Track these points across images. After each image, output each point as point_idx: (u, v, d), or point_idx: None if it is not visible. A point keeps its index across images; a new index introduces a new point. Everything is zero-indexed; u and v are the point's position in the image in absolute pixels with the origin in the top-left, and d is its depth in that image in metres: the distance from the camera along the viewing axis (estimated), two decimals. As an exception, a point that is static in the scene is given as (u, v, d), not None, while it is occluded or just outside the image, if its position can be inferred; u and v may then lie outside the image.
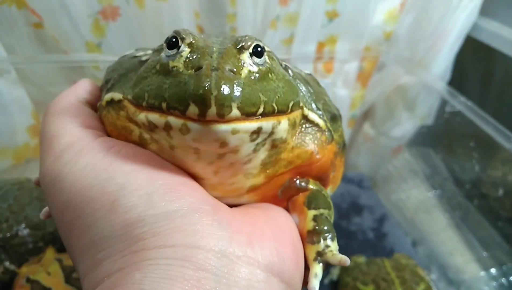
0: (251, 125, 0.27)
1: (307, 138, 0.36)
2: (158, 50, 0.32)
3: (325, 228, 0.35)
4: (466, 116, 0.78)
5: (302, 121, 0.35)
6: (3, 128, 0.88)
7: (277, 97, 0.29)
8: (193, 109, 0.26)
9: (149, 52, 0.37)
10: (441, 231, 0.90)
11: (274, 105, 0.29)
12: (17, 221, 0.70)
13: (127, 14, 0.86)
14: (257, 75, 0.29)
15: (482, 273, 0.81)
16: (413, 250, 0.88)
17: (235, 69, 0.27)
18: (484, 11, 0.91)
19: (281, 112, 0.30)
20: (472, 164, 0.89)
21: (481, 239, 0.86)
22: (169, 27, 0.87)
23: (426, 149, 1.02)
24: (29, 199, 0.73)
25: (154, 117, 0.28)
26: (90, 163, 0.30)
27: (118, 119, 0.33)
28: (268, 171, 0.34)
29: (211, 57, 0.28)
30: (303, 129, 0.35)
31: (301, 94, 0.36)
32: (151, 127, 0.29)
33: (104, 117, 0.35)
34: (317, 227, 0.35)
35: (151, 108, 0.28)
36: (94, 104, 0.39)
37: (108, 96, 0.34)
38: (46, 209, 0.38)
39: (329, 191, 0.42)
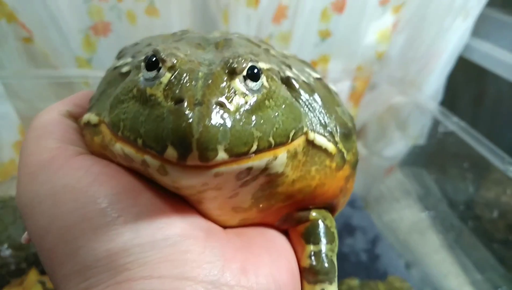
0: (239, 167, 0.24)
1: (312, 168, 0.30)
2: (137, 68, 0.28)
3: (323, 268, 0.30)
4: (459, 137, 0.78)
5: (307, 147, 0.29)
6: (-12, 144, 0.86)
7: (275, 128, 0.25)
8: (171, 152, 0.22)
9: (129, 59, 0.32)
10: (434, 253, 0.89)
11: (271, 139, 0.24)
12: (-1, 241, 0.67)
13: (118, 30, 0.85)
14: (251, 105, 0.24)
15: (477, 296, 0.80)
16: (407, 272, 0.87)
17: (223, 101, 0.23)
18: (476, 32, 0.93)
19: (280, 144, 0.25)
20: (465, 185, 0.89)
21: (476, 261, 0.85)
22: (161, 43, 0.87)
23: (419, 169, 1.01)
24: (13, 218, 0.71)
25: (130, 152, 0.24)
26: (68, 184, 0.27)
27: (93, 145, 0.29)
28: (261, 206, 0.30)
29: (195, 85, 0.23)
30: (308, 158, 0.29)
31: (307, 113, 0.31)
32: (128, 160, 0.25)
33: (84, 137, 0.31)
34: (313, 267, 0.31)
35: (127, 140, 0.24)
36: (80, 117, 0.34)
37: (85, 118, 0.30)
38: (26, 234, 0.35)
39: (336, 215, 0.37)
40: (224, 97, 0.23)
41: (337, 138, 0.32)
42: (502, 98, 0.99)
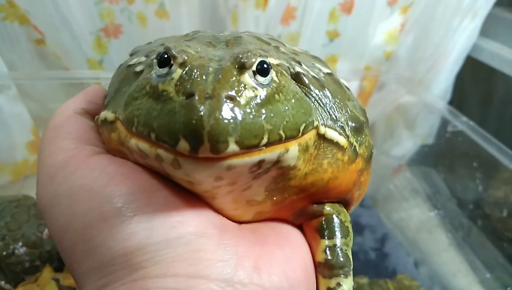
0: (251, 159, 0.24)
1: (324, 161, 0.30)
2: (150, 66, 0.28)
3: (338, 262, 0.31)
4: (468, 136, 0.78)
5: (318, 141, 0.29)
6: (2, 144, 0.87)
7: (285, 122, 0.25)
8: (183, 145, 0.23)
9: (143, 59, 0.33)
10: (443, 252, 0.89)
11: (281, 132, 0.25)
12: (14, 239, 0.68)
13: (129, 31, 0.86)
14: (261, 98, 0.25)
15: (487, 295, 0.80)
16: (416, 271, 0.87)
17: (233, 95, 0.23)
18: (485, 32, 0.93)
19: (290, 138, 0.26)
20: (474, 184, 0.89)
21: (484, 260, 0.85)
22: (171, 45, 0.88)
23: (427, 168, 1.01)
24: (27, 217, 0.72)
25: (144, 146, 0.25)
26: (85, 184, 0.27)
27: (110, 141, 0.30)
28: (275, 199, 0.30)
29: (205, 80, 0.24)
30: (319, 151, 0.29)
31: (317, 107, 0.31)
32: (143, 155, 0.26)
33: (101, 135, 0.32)
34: (328, 261, 0.31)
35: (141, 136, 0.25)
36: (95, 114, 0.35)
37: (102, 115, 0.31)
38: (47, 230, 0.36)
39: (351, 210, 0.38)
40: (234, 91, 0.24)
41: (348, 132, 0.32)
42: (510, 98, 0.98)
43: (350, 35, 0.90)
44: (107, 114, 0.30)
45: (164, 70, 0.25)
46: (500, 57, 0.89)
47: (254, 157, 0.24)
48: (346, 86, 0.37)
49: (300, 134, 0.26)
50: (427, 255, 0.91)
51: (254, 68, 0.25)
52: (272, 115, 0.25)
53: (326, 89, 0.32)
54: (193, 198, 0.29)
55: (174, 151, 0.23)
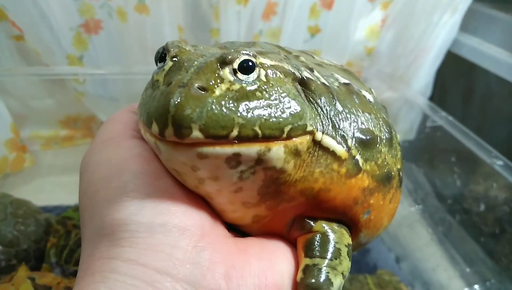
0: (223, 150, 0.25)
1: (316, 170, 0.29)
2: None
3: (311, 284, 0.28)
4: (447, 131, 0.78)
5: (314, 148, 0.29)
6: (-20, 141, 0.86)
7: (263, 119, 0.25)
8: (154, 127, 0.24)
9: None
10: (424, 247, 0.89)
11: (257, 128, 0.25)
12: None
13: (109, 27, 0.86)
14: (238, 93, 0.25)
15: (466, 289, 0.80)
16: (397, 266, 0.87)
17: (207, 86, 0.25)
18: (464, 27, 0.93)
19: (271, 137, 0.25)
20: (454, 179, 0.89)
21: (465, 254, 0.86)
22: (152, 40, 0.87)
23: (409, 163, 1.01)
24: (4, 215, 0.71)
25: (146, 135, 0.27)
26: (109, 157, 0.30)
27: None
28: (268, 203, 0.29)
29: (186, 72, 0.25)
30: (313, 158, 0.29)
31: (319, 113, 0.30)
32: (148, 142, 0.28)
33: None
34: (302, 281, 0.29)
35: (141, 122, 0.27)
36: None
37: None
38: None
39: (362, 237, 0.35)
40: (209, 83, 0.25)
41: (352, 144, 0.30)
42: (491, 92, 0.99)
43: (331, 31, 0.90)
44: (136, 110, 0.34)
45: (161, 64, 0.28)
46: (480, 52, 0.89)
47: (227, 148, 0.25)
48: (368, 100, 0.35)
49: (284, 135, 0.26)
50: (408, 250, 0.91)
51: (235, 65, 0.26)
52: (247, 110, 0.25)
53: (334, 98, 0.31)
54: (197, 196, 0.29)
55: (155, 135, 0.25)
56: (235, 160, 0.25)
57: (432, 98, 1.01)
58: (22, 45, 0.86)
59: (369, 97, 0.36)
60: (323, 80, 0.32)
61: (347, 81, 0.34)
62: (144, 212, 0.26)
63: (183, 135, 0.24)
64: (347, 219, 0.33)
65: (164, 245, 0.26)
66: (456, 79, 1.06)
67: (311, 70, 0.33)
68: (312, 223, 0.31)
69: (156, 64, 0.29)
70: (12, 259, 0.68)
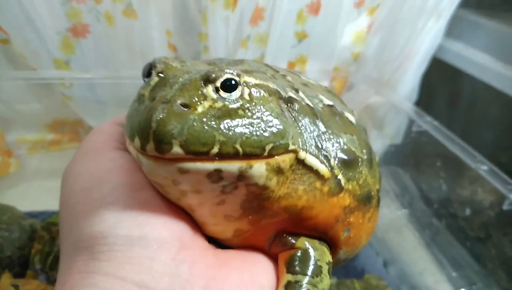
0: (204, 166, 0.25)
1: (300, 187, 0.29)
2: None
3: None
4: (432, 136, 0.79)
5: (297, 166, 0.29)
6: (-35, 145, 0.85)
7: (244, 137, 0.26)
8: (136, 141, 0.25)
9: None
10: (412, 251, 0.90)
11: (238, 146, 0.25)
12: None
13: (97, 31, 0.86)
14: (220, 111, 0.26)
15: (452, 293, 0.80)
16: (384, 270, 0.87)
17: (189, 103, 0.25)
18: (449, 32, 0.94)
19: (252, 155, 0.26)
20: (440, 183, 0.90)
21: (451, 258, 0.86)
22: (140, 45, 0.87)
23: (395, 168, 1.02)
24: (-12, 220, 0.70)
25: (131, 148, 0.28)
26: (90, 169, 0.30)
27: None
28: (250, 217, 0.30)
29: (171, 88, 0.26)
30: (296, 176, 0.29)
31: (302, 133, 0.31)
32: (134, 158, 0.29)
33: None
34: None
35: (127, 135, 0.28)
36: None
37: None
38: None
39: (342, 255, 0.36)
40: (192, 100, 0.25)
41: (334, 163, 0.32)
42: (476, 98, 1.00)
43: (318, 36, 0.90)
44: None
45: (148, 79, 0.29)
46: (464, 58, 0.91)
47: (207, 165, 0.25)
48: (351, 121, 0.37)
49: (265, 153, 0.26)
50: (395, 254, 0.91)
51: (218, 83, 0.26)
52: (228, 128, 0.25)
53: (318, 118, 0.32)
54: (177, 208, 0.29)
55: (137, 149, 0.26)
56: (216, 175, 0.26)
57: (418, 103, 1.02)
58: (8, 48, 0.85)
59: (351, 118, 0.37)
60: (307, 101, 0.33)
61: (331, 103, 0.36)
62: (123, 224, 0.26)
63: (164, 150, 0.24)
64: (327, 236, 0.34)
65: (143, 257, 0.25)
66: (442, 84, 1.07)
67: (297, 90, 0.34)
68: (293, 240, 0.32)
69: (144, 79, 0.29)
70: (-5, 266, 0.67)
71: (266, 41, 0.90)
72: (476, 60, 0.88)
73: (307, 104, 0.33)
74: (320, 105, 0.35)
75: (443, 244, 0.89)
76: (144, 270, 0.25)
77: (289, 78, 0.36)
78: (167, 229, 0.27)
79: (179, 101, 0.25)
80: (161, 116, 0.24)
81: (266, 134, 0.27)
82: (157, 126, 0.24)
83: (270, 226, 0.31)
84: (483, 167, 0.70)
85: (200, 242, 0.30)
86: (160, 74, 0.28)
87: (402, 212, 0.97)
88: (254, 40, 0.90)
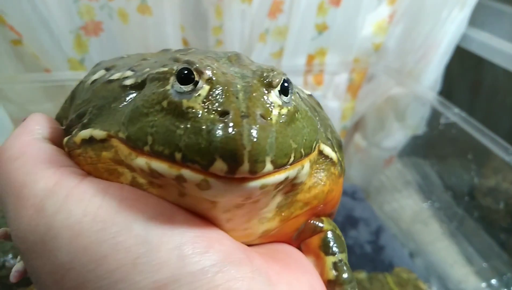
0: (279, 177, 0.23)
1: (322, 175, 0.31)
2: (159, 79, 0.26)
3: (347, 277, 0.31)
4: (458, 126, 0.79)
5: (318, 156, 0.30)
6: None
7: (304, 140, 0.25)
8: (220, 166, 0.21)
9: (128, 72, 0.30)
10: (438, 242, 0.90)
11: (302, 150, 0.25)
12: (3, 251, 0.65)
13: (110, 29, 0.83)
14: (286, 117, 0.24)
15: (483, 284, 0.80)
16: (412, 262, 0.88)
17: (265, 113, 0.23)
18: (473, 21, 0.93)
19: (307, 155, 0.26)
20: (465, 173, 0.89)
21: (479, 249, 0.86)
22: (154, 41, 0.85)
23: (418, 159, 1.02)
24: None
25: (161, 167, 0.23)
26: (88, 212, 0.24)
27: (99, 161, 0.27)
28: (283, 214, 0.29)
29: (237, 98, 0.23)
30: (318, 165, 0.30)
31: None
32: (154, 175, 0.24)
33: (78, 156, 0.29)
34: (338, 277, 0.31)
35: (156, 155, 0.23)
36: (54, 141, 0.32)
37: (84, 133, 0.28)
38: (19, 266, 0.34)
39: None
40: (267, 110, 0.23)
41: (336, 149, 0.33)
42: (499, 87, 0.99)
43: (338, 28, 0.88)
44: (93, 132, 0.27)
45: (187, 88, 0.24)
46: (488, 46, 0.89)
47: (282, 175, 0.24)
48: (323, 109, 0.39)
49: (312, 151, 0.27)
50: (421, 245, 0.91)
51: (279, 87, 0.25)
52: (295, 133, 0.25)
53: (314, 110, 0.33)
54: (204, 220, 0.26)
55: (204, 172, 0.22)
56: (283, 183, 0.24)
57: (440, 93, 1.01)
58: (21, 49, 0.83)
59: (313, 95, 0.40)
60: (302, 94, 0.34)
61: (309, 92, 0.38)
62: (189, 260, 0.23)
63: (258, 170, 0.22)
64: (333, 212, 0.35)
65: (227, 281, 0.23)
66: (464, 74, 1.06)
67: None
68: (320, 223, 0.33)
69: (177, 87, 0.24)
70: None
71: (285, 35, 0.88)
72: (500, 48, 0.87)
73: (304, 97, 0.33)
74: (305, 96, 0.35)
75: (470, 235, 0.89)
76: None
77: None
78: (226, 246, 0.25)
79: (258, 113, 0.22)
80: (253, 134, 0.21)
81: (313, 132, 0.27)
82: (252, 145, 0.21)
83: (299, 218, 0.31)
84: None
85: (246, 246, 0.28)
86: (211, 82, 0.24)
87: (427, 203, 0.96)
88: (273, 34, 0.88)
